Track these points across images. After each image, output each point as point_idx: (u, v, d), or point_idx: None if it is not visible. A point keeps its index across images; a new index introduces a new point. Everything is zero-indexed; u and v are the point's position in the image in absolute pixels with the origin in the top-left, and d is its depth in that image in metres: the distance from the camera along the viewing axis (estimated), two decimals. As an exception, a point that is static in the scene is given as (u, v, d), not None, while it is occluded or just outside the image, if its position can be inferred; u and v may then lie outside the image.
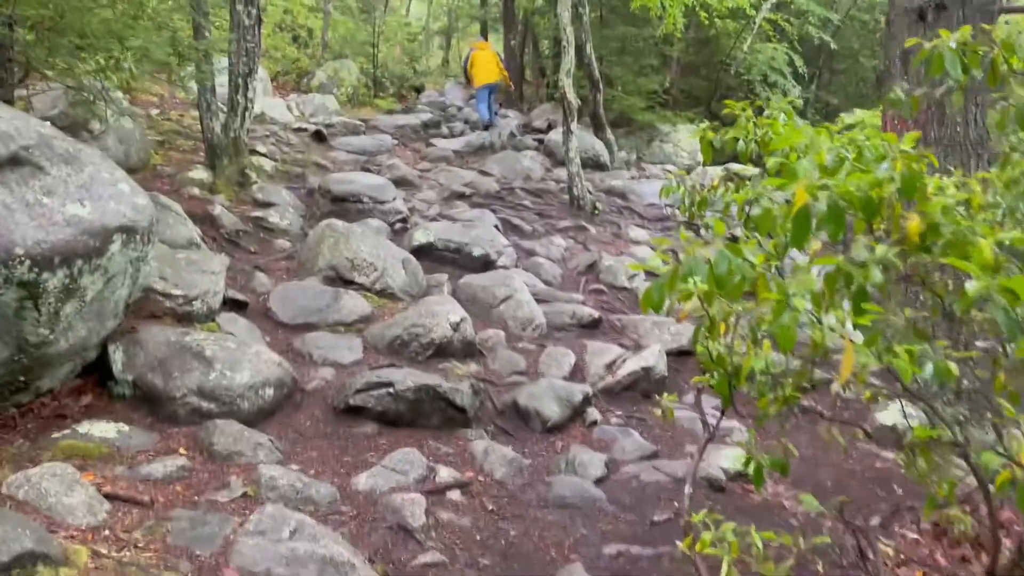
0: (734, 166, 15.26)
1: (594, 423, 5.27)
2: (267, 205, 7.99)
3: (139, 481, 3.82)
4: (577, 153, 10.22)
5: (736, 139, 3.72)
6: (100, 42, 5.40)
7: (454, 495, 4.16)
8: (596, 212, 10.20)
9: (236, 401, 4.50)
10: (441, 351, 5.71)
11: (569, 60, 10.25)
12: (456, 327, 5.79)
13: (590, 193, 10.46)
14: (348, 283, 6.45)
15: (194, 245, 6.18)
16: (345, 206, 8.29)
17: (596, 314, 6.92)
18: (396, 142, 12.34)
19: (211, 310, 5.28)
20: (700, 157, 15.69)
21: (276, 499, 3.77)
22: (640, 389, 5.89)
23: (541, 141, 13.69)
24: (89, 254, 3.99)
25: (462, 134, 13.43)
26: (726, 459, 4.86)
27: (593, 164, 12.58)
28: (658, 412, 3.82)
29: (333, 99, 13.24)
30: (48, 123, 4.37)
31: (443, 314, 5.81)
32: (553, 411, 5.13)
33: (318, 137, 11.39)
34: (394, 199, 8.52)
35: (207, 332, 4.96)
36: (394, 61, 16.65)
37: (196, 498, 3.76)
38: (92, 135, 7.74)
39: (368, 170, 10.28)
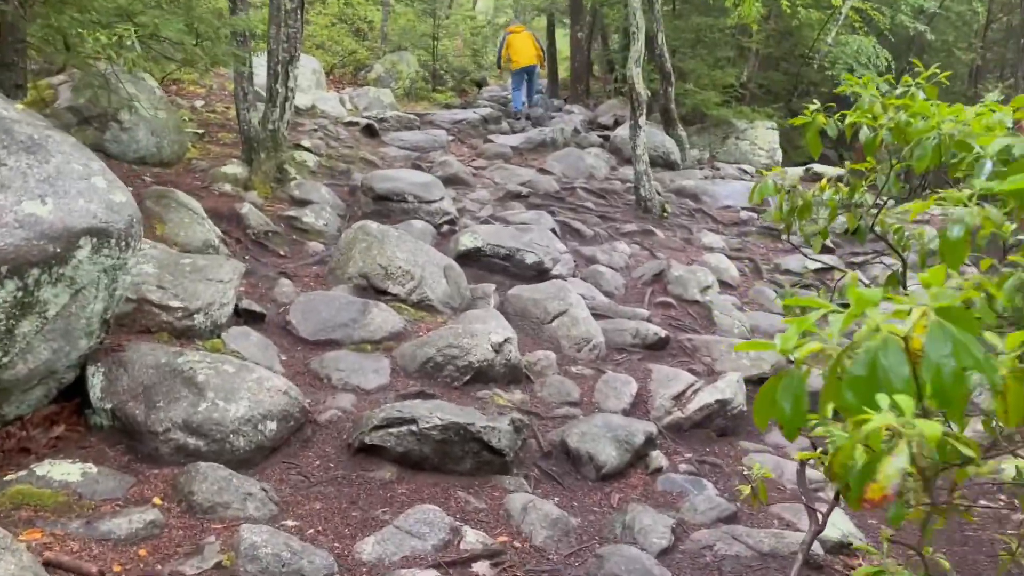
0: (817, 167, 14.05)
1: (658, 470, 4.37)
2: (304, 203, 7.31)
3: (96, 541, 3.10)
4: (645, 150, 9.27)
5: (855, 126, 2.80)
6: (105, 18, 4.72)
7: (481, 568, 3.32)
8: (665, 215, 9.24)
9: (229, 438, 3.76)
10: (481, 376, 4.89)
11: (638, 49, 9.30)
12: (499, 348, 4.96)
13: (659, 194, 9.51)
14: (381, 293, 5.68)
15: (210, 248, 5.51)
16: (388, 205, 7.54)
17: (663, 333, 6.00)
18: (452, 138, 11.59)
19: (216, 325, 4.56)
20: (779, 156, 14.56)
21: (256, 574, 3.00)
22: (714, 426, 4.97)
23: (607, 138, 12.78)
24: (48, 261, 3.29)
25: (523, 130, 12.60)
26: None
27: (663, 163, 11.61)
28: (745, 491, 2.91)
29: (389, 93, 12.56)
30: (16, 105, 3.70)
31: (484, 333, 4.98)
32: (609, 455, 4.25)
33: (369, 132, 10.71)
34: (442, 199, 7.74)
35: (207, 352, 4.24)
36: (455, 54, 15.92)
37: (159, 567, 3.02)
38: (121, 126, 7.18)
39: (419, 167, 9.55)
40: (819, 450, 2.20)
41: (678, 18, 15.43)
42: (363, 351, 5.00)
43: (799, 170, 13.86)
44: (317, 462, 3.98)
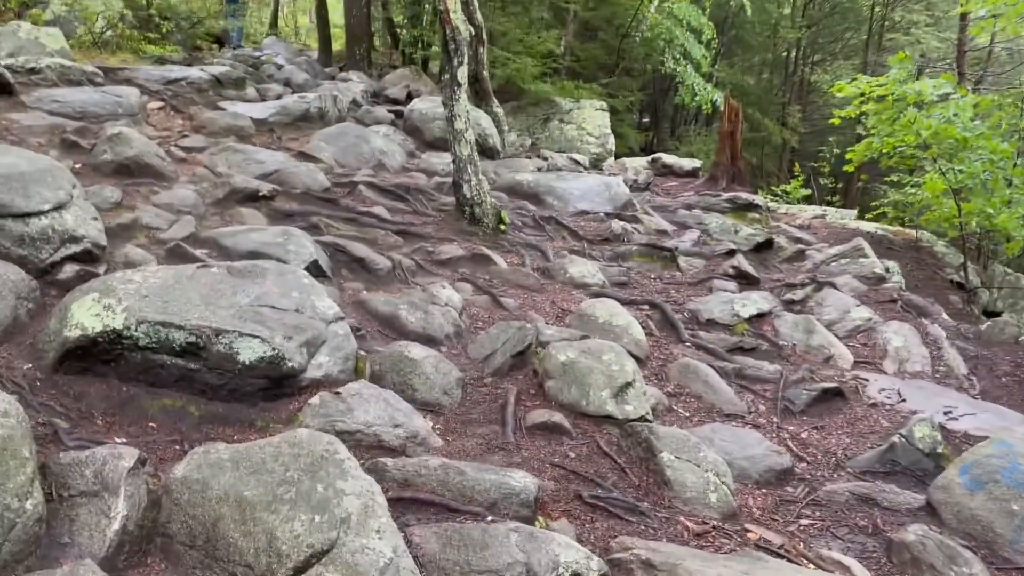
0: (665, 156, 11.01)
1: None
2: None
3: None
4: (469, 124, 5.50)
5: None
6: None
7: None
8: (502, 228, 5.54)
9: None
10: None
11: (453, -43, 5.47)
12: None
13: (488, 195, 5.78)
14: None
15: None
16: (-84, 226, 3.17)
17: (595, 568, 2.24)
18: (160, 104, 7.12)
19: None
20: (612, 144, 11.20)
21: None
22: None
23: (399, 115, 8.88)
24: None
25: (278, 98, 8.36)
26: None
27: (479, 148, 7.90)
28: None
29: (58, 35, 7.78)
30: None
31: None
32: None
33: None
34: (60, 207, 3.46)
35: None
36: (183, -3, 11.22)
37: None
38: None
39: (76, 143, 5.15)
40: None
41: (483, -31, 11.80)
42: None
43: (642, 160, 10.76)
44: None
